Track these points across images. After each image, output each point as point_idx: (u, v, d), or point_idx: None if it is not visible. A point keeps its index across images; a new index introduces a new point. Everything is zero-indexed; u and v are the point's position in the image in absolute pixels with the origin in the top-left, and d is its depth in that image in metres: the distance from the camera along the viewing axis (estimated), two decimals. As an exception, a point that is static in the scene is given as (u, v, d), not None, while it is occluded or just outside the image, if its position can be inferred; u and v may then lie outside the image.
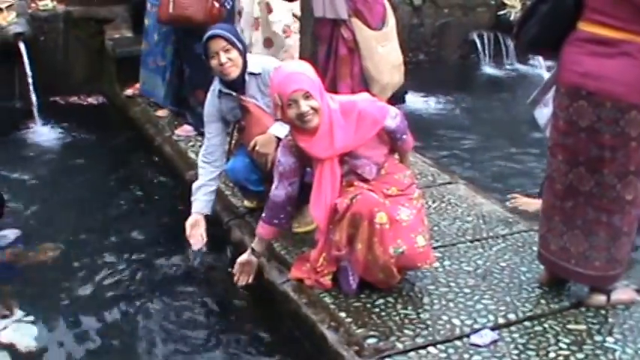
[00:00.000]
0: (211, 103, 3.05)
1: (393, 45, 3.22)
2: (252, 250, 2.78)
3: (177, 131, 4.36)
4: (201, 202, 3.04)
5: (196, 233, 3.00)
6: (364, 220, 2.44)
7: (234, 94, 2.99)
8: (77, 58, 5.41)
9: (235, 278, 2.81)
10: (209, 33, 2.92)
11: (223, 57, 2.88)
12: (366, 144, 2.53)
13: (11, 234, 3.38)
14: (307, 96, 2.45)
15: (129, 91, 4.98)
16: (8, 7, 4.90)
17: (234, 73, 2.92)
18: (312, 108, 2.46)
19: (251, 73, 2.97)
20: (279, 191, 2.63)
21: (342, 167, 2.55)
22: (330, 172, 2.52)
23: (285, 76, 2.50)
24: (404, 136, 2.64)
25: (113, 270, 3.18)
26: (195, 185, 3.09)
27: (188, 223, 3.02)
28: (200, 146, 3.82)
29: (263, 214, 2.70)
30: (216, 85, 3.04)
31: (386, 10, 3.44)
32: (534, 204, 3.37)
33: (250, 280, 2.80)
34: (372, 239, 2.46)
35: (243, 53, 2.94)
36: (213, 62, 2.91)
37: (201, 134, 4.18)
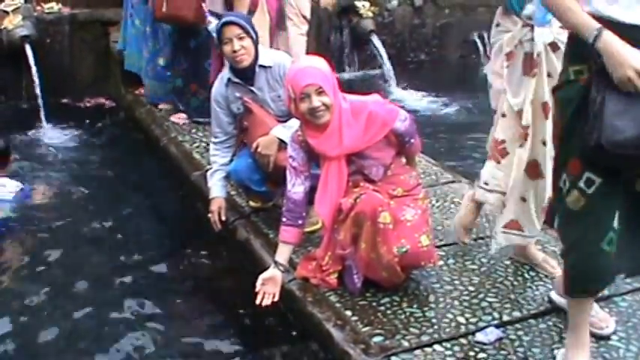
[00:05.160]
0: (218, 90, 3.08)
1: None
2: (276, 263, 2.61)
3: (172, 118, 4.54)
4: (217, 186, 3.16)
5: (216, 218, 3.14)
6: (367, 219, 2.47)
7: (238, 93, 3.01)
8: (83, 60, 5.46)
9: (258, 299, 2.54)
10: (224, 19, 2.96)
11: (237, 44, 2.90)
12: (374, 145, 2.56)
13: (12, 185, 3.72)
14: (320, 91, 2.47)
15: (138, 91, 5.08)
16: (14, 11, 4.94)
17: (246, 61, 2.94)
18: (324, 104, 2.48)
19: (262, 66, 3.00)
20: (297, 188, 2.62)
21: (350, 167, 2.57)
22: (337, 170, 2.55)
23: (300, 70, 2.53)
24: (412, 140, 2.66)
25: (117, 268, 3.21)
26: (209, 172, 3.20)
27: (212, 208, 3.14)
28: (205, 147, 3.88)
29: (284, 219, 2.62)
30: (225, 73, 3.07)
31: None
32: None
33: (276, 299, 2.55)
34: (376, 239, 2.49)
35: (255, 43, 2.97)
36: (227, 48, 2.93)
37: (195, 122, 4.35)
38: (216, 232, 3.17)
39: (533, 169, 2.55)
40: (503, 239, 2.64)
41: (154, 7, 4.28)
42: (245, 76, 3.00)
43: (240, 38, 2.91)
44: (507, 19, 2.56)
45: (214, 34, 3.58)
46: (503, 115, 2.53)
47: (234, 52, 2.91)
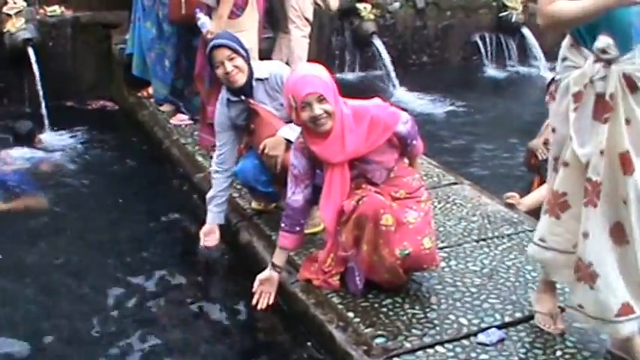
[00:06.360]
0: (221, 112, 3.08)
1: (243, 34, 3.38)
2: (273, 264, 2.70)
3: (172, 120, 4.57)
4: (213, 213, 3.19)
5: (210, 239, 3.20)
6: (369, 222, 2.47)
7: (242, 98, 3.02)
8: (85, 63, 5.47)
9: (255, 299, 2.69)
10: (212, 43, 2.96)
11: (229, 65, 2.90)
12: (376, 149, 2.55)
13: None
14: (321, 99, 2.47)
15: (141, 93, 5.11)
16: (17, 14, 4.95)
17: (240, 80, 2.95)
18: (326, 112, 2.48)
19: (258, 79, 3.00)
20: (296, 196, 2.63)
21: (353, 171, 2.57)
22: (340, 176, 2.55)
23: (300, 79, 2.52)
24: (414, 142, 2.66)
25: (117, 271, 3.22)
26: (208, 196, 3.21)
27: (202, 231, 3.20)
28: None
29: (283, 225, 2.67)
30: (224, 95, 3.07)
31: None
32: (524, 204, 3.40)
33: (271, 301, 2.69)
34: (378, 241, 2.49)
35: (247, 60, 2.98)
36: (219, 71, 2.94)
37: (196, 121, 4.36)
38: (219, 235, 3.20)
39: (617, 233, 2.13)
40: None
41: (170, 10, 4.32)
42: (243, 93, 3.00)
43: (231, 59, 2.91)
44: (576, 52, 2.12)
45: (203, 29, 3.84)
46: (565, 165, 2.15)
47: (227, 73, 2.91)
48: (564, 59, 2.18)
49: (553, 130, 2.25)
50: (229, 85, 2.98)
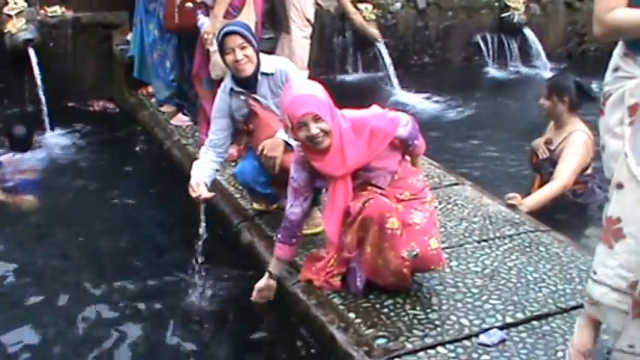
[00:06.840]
0: (222, 99, 3.07)
1: None
2: (270, 273, 2.73)
3: (173, 121, 4.56)
4: (199, 172, 2.95)
5: (199, 190, 2.90)
6: (375, 224, 2.46)
7: (242, 97, 3.02)
8: (86, 63, 5.50)
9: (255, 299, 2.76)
10: (225, 29, 2.96)
11: (239, 54, 2.91)
12: (378, 156, 2.53)
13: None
14: (317, 119, 2.44)
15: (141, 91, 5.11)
16: (18, 14, 4.97)
17: (249, 69, 2.95)
18: (322, 130, 2.45)
19: (264, 73, 3.00)
20: (295, 209, 2.63)
21: (356, 181, 2.55)
22: (343, 189, 2.53)
23: (294, 99, 2.48)
24: (415, 142, 2.65)
25: (118, 272, 3.23)
26: (195, 163, 3.04)
27: (191, 183, 2.92)
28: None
29: (279, 235, 2.68)
30: (227, 82, 3.06)
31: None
32: (526, 205, 3.39)
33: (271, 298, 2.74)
34: (383, 244, 2.48)
35: (257, 51, 2.98)
36: (229, 58, 2.94)
37: (197, 123, 4.31)
38: (219, 235, 3.19)
39: None
40: None
41: (165, 19, 4.32)
42: (248, 84, 3.00)
43: (243, 47, 2.91)
44: (631, 61, 1.99)
45: (201, 29, 3.83)
46: (619, 186, 1.91)
47: (237, 61, 2.91)
48: (616, 69, 2.03)
49: (602, 149, 2.08)
50: (237, 73, 2.97)
